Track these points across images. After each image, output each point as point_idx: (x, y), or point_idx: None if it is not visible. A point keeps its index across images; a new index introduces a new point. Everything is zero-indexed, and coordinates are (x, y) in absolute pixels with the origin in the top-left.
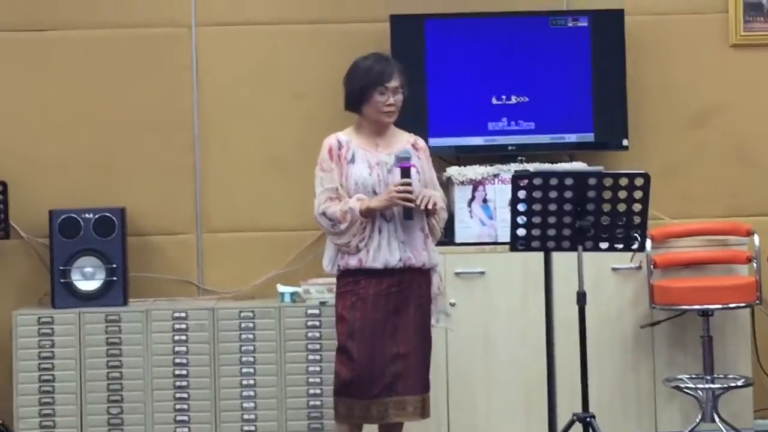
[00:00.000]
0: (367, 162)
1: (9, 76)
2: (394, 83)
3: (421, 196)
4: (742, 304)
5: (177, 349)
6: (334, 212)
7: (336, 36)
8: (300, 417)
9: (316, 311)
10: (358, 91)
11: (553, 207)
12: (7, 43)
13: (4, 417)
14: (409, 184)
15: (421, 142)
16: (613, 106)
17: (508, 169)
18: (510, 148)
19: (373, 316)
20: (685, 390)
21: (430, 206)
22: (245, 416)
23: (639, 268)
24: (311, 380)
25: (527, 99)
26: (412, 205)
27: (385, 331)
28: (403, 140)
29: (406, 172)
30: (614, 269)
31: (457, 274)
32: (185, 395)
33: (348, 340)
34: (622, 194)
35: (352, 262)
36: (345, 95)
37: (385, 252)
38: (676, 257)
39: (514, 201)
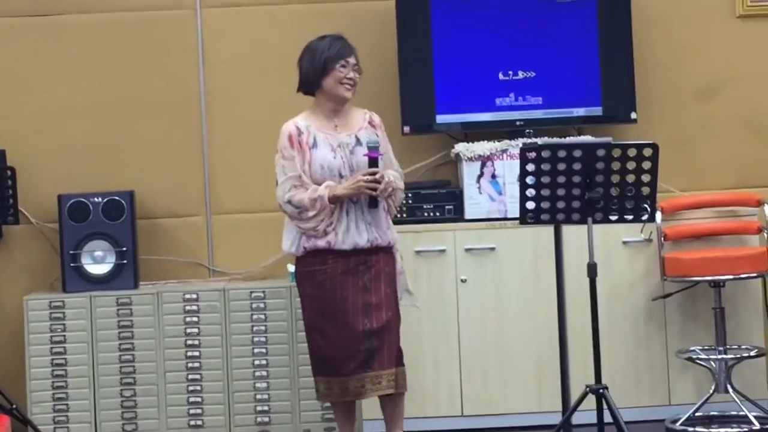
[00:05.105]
0: (329, 145)
1: (15, 61)
2: (353, 60)
3: (384, 185)
4: (754, 274)
5: (189, 330)
6: (302, 200)
7: (342, 15)
8: (314, 396)
9: None
10: (321, 65)
11: (561, 179)
12: (13, 28)
13: (17, 401)
14: (376, 173)
15: (376, 117)
16: (621, 79)
17: (517, 145)
18: (518, 123)
19: (342, 294)
20: (698, 361)
21: (389, 191)
22: (258, 396)
23: (650, 240)
24: None
25: (534, 74)
26: (378, 194)
27: (356, 308)
28: (359, 117)
29: (374, 162)
30: (625, 242)
31: (468, 250)
32: (198, 376)
33: (320, 319)
34: (631, 165)
35: (320, 243)
36: (302, 75)
37: (353, 234)
38: (687, 229)
39: (523, 174)
